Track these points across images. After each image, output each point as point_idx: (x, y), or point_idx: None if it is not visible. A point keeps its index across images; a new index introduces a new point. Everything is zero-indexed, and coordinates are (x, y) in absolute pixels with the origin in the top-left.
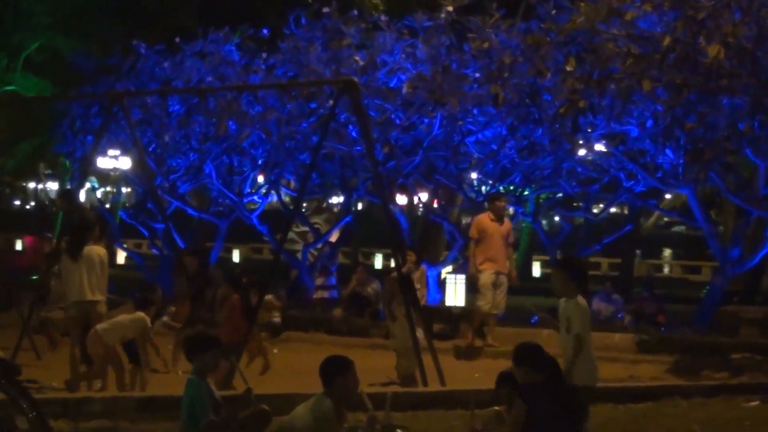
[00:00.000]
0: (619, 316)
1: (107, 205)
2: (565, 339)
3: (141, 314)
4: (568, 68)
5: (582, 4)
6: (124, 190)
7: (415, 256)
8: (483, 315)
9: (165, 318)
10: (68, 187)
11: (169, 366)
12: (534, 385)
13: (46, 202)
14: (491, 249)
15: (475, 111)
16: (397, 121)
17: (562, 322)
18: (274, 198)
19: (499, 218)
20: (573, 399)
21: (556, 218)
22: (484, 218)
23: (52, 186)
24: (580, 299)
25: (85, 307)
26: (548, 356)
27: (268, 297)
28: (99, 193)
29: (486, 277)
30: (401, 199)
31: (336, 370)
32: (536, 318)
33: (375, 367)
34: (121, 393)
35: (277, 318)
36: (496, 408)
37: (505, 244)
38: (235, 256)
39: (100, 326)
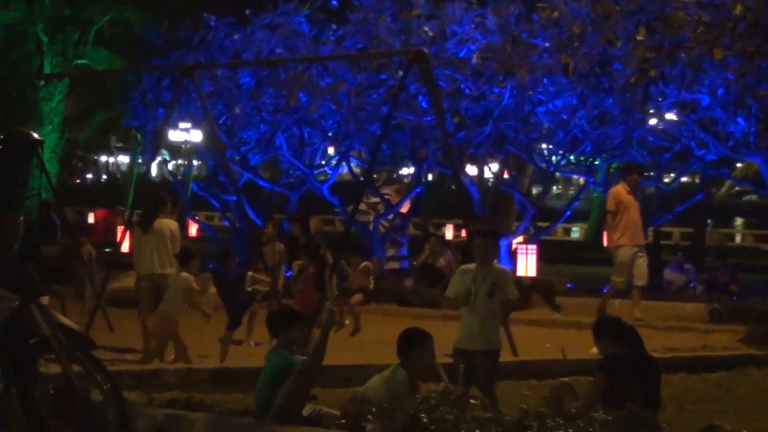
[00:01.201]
0: (691, 285)
1: (178, 178)
2: (487, 304)
3: (183, 274)
4: (639, 37)
5: None
6: (195, 162)
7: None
8: (617, 290)
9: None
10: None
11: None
12: (616, 358)
13: (118, 176)
14: (629, 222)
15: (545, 81)
16: (467, 92)
17: (480, 288)
18: (345, 169)
19: (633, 190)
20: (655, 371)
21: None
22: (620, 190)
23: (124, 159)
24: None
25: (156, 279)
26: (629, 327)
27: (366, 263)
28: (170, 166)
29: (624, 252)
30: (471, 170)
31: (413, 343)
32: (607, 288)
33: (447, 338)
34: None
35: (371, 284)
36: (566, 380)
37: (640, 216)
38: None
39: (162, 305)
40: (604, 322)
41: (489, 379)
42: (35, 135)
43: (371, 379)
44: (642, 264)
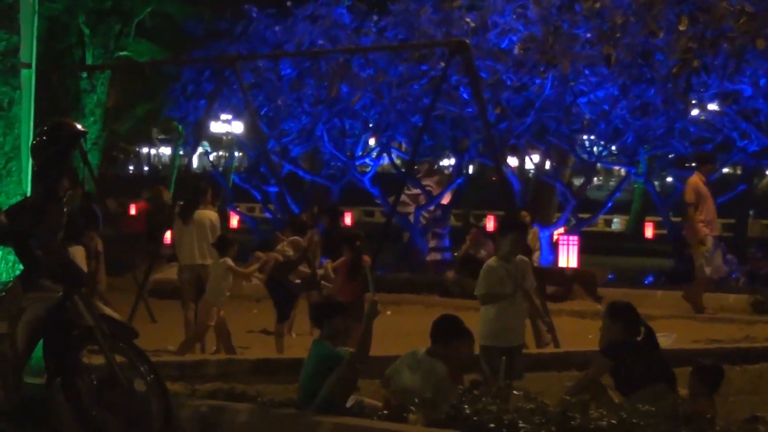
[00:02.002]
0: (734, 276)
1: (219, 169)
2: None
3: (222, 259)
4: (681, 27)
5: None
6: (236, 154)
7: (529, 217)
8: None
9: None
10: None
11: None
12: (621, 344)
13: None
14: (709, 212)
15: (586, 71)
16: (509, 83)
17: (509, 282)
18: (386, 160)
19: (708, 180)
20: (665, 362)
21: (669, 179)
22: (697, 181)
23: (165, 151)
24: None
25: (197, 270)
26: (641, 317)
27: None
28: (211, 158)
29: (710, 242)
30: (512, 161)
31: (454, 334)
32: (650, 279)
33: None
34: (235, 356)
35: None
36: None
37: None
38: (347, 219)
39: (206, 295)
40: (619, 307)
41: (520, 372)
42: (79, 126)
43: (399, 366)
44: (719, 255)
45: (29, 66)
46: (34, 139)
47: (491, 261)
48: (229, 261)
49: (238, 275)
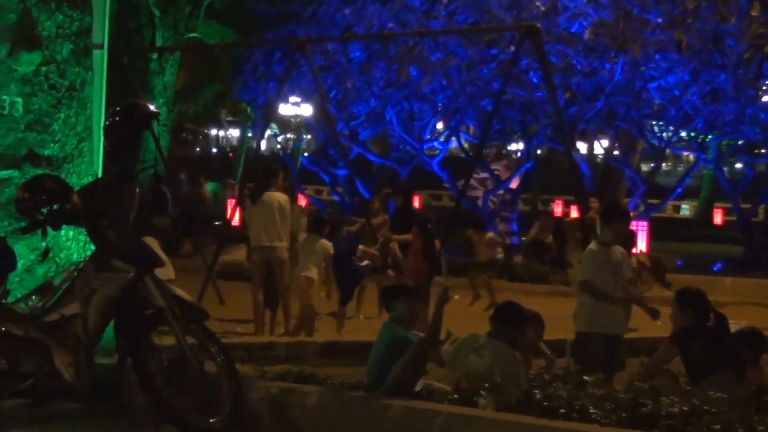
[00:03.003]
0: None
1: (288, 152)
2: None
3: (322, 241)
4: (753, 13)
5: None
6: (304, 136)
7: (598, 203)
8: None
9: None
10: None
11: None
12: (691, 330)
13: (227, 149)
14: None
15: (657, 56)
16: (579, 67)
17: (612, 268)
18: (454, 144)
19: None
20: (735, 349)
21: (738, 165)
22: None
23: (234, 133)
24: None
25: (266, 252)
26: (710, 304)
27: (489, 234)
28: (280, 140)
29: None
30: (581, 146)
31: (520, 320)
32: (719, 265)
33: (555, 314)
34: (305, 338)
35: (500, 255)
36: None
37: None
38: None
39: (305, 275)
40: (689, 293)
41: (623, 363)
42: (152, 107)
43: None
44: None
45: (101, 47)
46: (106, 120)
47: (593, 246)
48: (331, 249)
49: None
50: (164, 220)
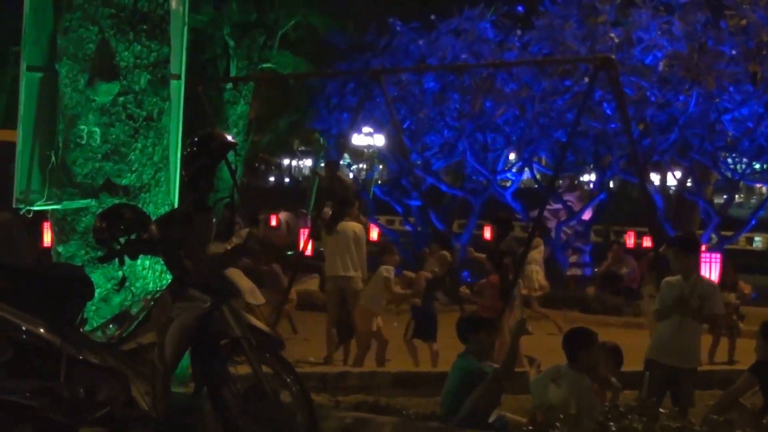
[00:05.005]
0: None
1: (360, 182)
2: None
3: (382, 267)
4: None
5: None
6: (377, 166)
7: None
8: None
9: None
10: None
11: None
12: None
13: (299, 179)
14: None
15: (731, 88)
16: (653, 99)
17: (679, 303)
18: (527, 175)
19: None
20: None
21: None
22: None
23: (306, 163)
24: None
25: (340, 282)
26: None
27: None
28: (353, 170)
29: None
30: (654, 177)
31: (579, 344)
32: None
33: (629, 346)
34: (378, 368)
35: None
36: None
37: None
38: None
39: (363, 303)
40: None
41: (690, 398)
42: (229, 137)
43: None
44: None
45: (179, 77)
46: (184, 150)
47: (670, 278)
48: (387, 271)
49: (390, 292)
50: (222, 246)
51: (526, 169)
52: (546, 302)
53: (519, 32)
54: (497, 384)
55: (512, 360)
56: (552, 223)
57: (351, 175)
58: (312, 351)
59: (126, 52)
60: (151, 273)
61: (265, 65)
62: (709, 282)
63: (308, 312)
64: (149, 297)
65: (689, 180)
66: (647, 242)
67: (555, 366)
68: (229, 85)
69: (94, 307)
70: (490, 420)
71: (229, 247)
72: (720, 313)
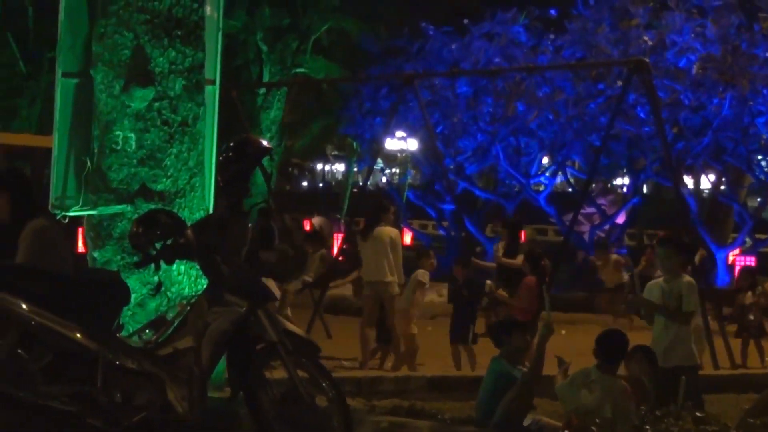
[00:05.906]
0: None
1: (393, 186)
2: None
3: (417, 272)
4: None
5: None
6: (410, 170)
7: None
8: None
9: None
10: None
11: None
12: None
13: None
14: None
15: (765, 91)
16: (686, 102)
17: (670, 302)
18: (560, 179)
19: None
20: None
21: None
22: None
23: (339, 167)
24: (688, 277)
25: (374, 287)
26: None
27: (615, 256)
28: (386, 174)
29: None
30: (687, 180)
31: (621, 352)
32: None
33: None
34: (412, 372)
35: (627, 279)
36: None
37: None
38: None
39: (399, 306)
40: None
41: (697, 399)
42: (265, 143)
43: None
44: None
45: (213, 82)
46: (219, 155)
47: (653, 281)
48: (423, 275)
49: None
50: (270, 255)
51: (560, 173)
52: (579, 306)
53: (552, 36)
54: (526, 387)
55: (539, 363)
56: (586, 227)
57: (384, 179)
58: (345, 354)
59: (161, 58)
60: (186, 278)
61: (298, 70)
62: (687, 281)
63: (341, 316)
64: (185, 302)
65: (723, 183)
66: None
67: (582, 370)
68: (262, 90)
69: (130, 312)
70: (526, 424)
71: (309, 280)
72: (690, 310)
